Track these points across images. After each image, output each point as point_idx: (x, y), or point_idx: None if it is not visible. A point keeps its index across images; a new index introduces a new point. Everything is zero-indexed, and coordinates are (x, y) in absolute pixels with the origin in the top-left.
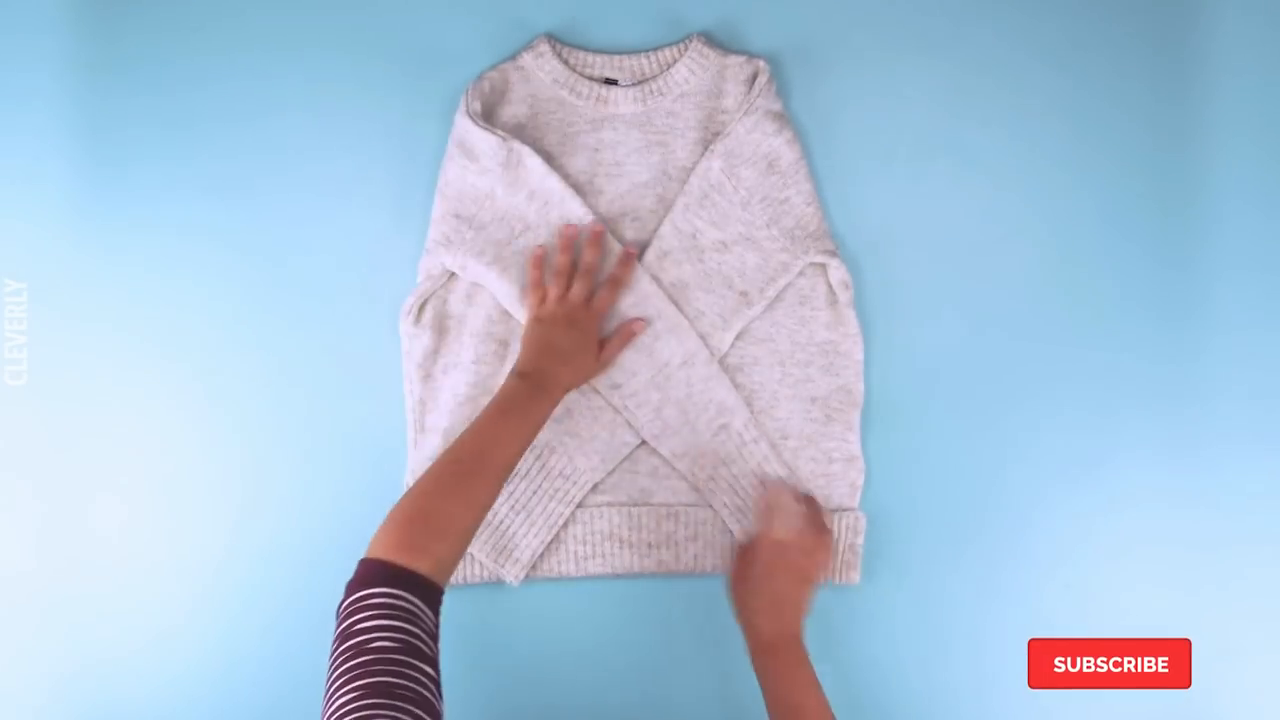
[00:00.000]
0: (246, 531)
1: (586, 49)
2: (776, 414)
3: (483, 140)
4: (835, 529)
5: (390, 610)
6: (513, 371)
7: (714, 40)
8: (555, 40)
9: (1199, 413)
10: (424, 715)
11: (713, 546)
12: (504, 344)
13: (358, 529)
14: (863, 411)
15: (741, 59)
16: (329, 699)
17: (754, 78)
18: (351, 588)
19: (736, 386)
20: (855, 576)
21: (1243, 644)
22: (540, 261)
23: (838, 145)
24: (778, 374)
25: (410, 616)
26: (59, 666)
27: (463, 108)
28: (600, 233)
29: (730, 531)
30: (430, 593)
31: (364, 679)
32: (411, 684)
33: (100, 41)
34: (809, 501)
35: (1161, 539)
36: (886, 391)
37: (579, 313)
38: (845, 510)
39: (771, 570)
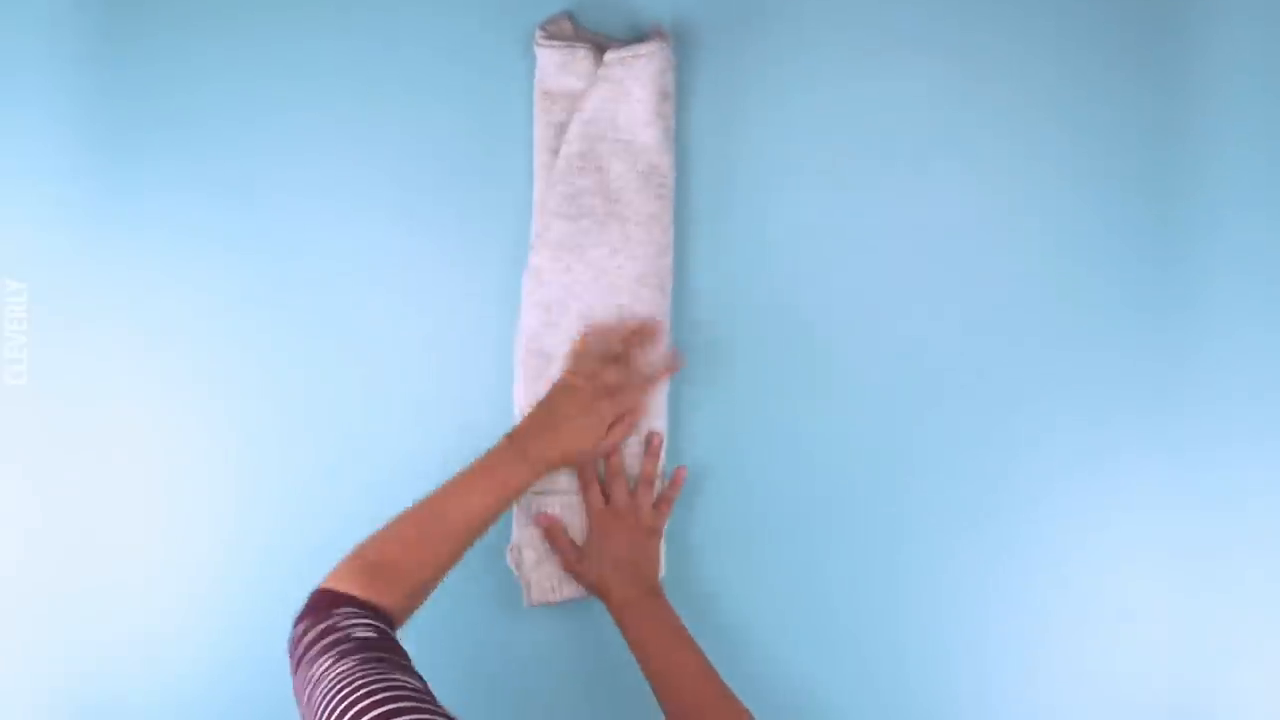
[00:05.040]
0: (247, 531)
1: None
2: None
3: (577, 55)
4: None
5: (369, 617)
6: (510, 432)
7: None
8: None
9: (1199, 412)
10: (420, 683)
11: None
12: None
13: (359, 530)
14: (861, 407)
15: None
16: (321, 684)
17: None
18: (308, 611)
19: None
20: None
21: (1244, 645)
22: (617, 335)
23: (837, 146)
24: None
25: (387, 629)
26: (59, 666)
27: (539, 37)
28: (655, 330)
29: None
30: (393, 623)
31: (361, 652)
32: (403, 660)
33: (101, 40)
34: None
35: (1162, 539)
36: (885, 392)
37: (599, 396)
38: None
39: (613, 532)
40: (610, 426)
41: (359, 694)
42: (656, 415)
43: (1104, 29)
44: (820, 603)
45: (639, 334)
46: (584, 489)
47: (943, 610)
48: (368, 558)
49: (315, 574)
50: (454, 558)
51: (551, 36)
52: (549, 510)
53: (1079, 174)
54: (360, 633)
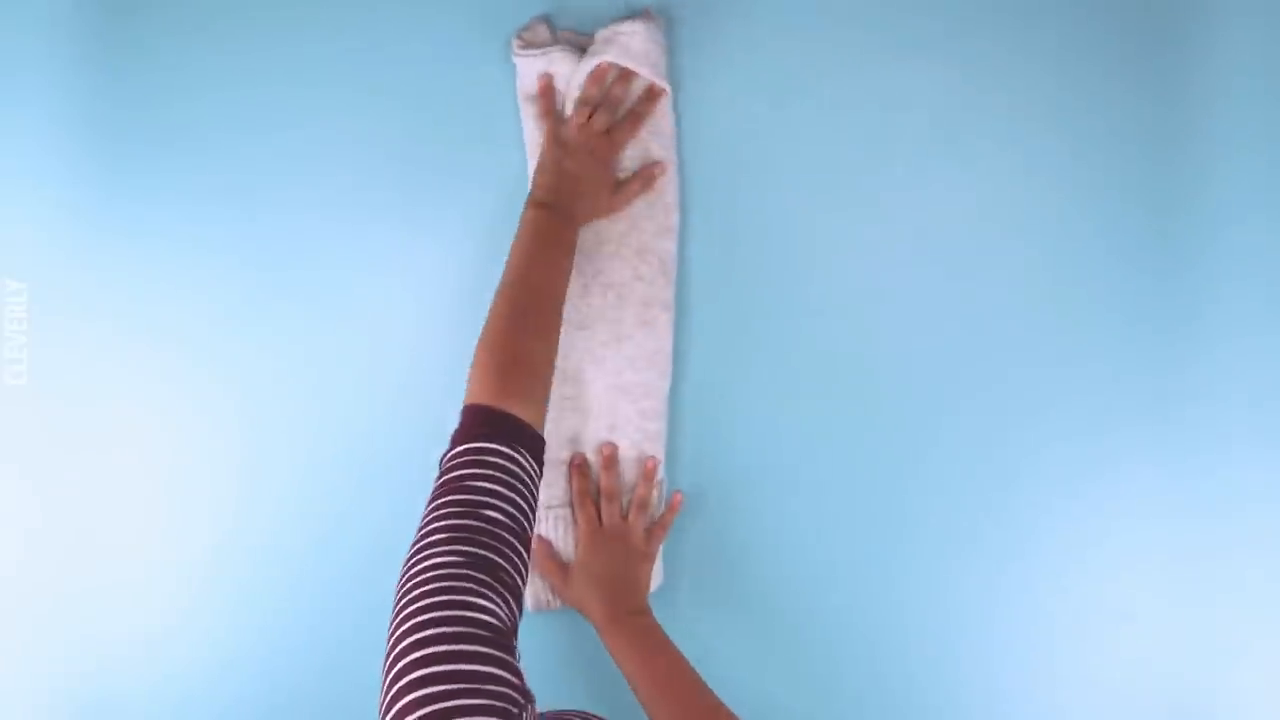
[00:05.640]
0: (246, 530)
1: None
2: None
3: (554, 58)
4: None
5: (506, 475)
6: (531, 200)
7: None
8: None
9: (1198, 420)
10: (513, 602)
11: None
12: None
13: (357, 529)
14: (862, 417)
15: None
16: (426, 546)
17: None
18: (462, 435)
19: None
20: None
21: (1243, 647)
22: (548, 89)
23: (836, 153)
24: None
25: (523, 485)
26: (59, 665)
27: (515, 47)
28: (629, 76)
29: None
30: (537, 446)
31: (470, 546)
32: (510, 568)
33: (101, 41)
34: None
35: (1162, 544)
36: (885, 403)
37: (597, 141)
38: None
39: (605, 552)
40: (623, 185)
41: (421, 624)
42: (654, 441)
43: (1104, 39)
44: (824, 611)
45: (616, 77)
46: (578, 507)
47: (947, 617)
48: (498, 355)
49: (313, 574)
50: (559, 329)
51: (528, 44)
52: (540, 528)
53: (1078, 183)
54: (490, 515)
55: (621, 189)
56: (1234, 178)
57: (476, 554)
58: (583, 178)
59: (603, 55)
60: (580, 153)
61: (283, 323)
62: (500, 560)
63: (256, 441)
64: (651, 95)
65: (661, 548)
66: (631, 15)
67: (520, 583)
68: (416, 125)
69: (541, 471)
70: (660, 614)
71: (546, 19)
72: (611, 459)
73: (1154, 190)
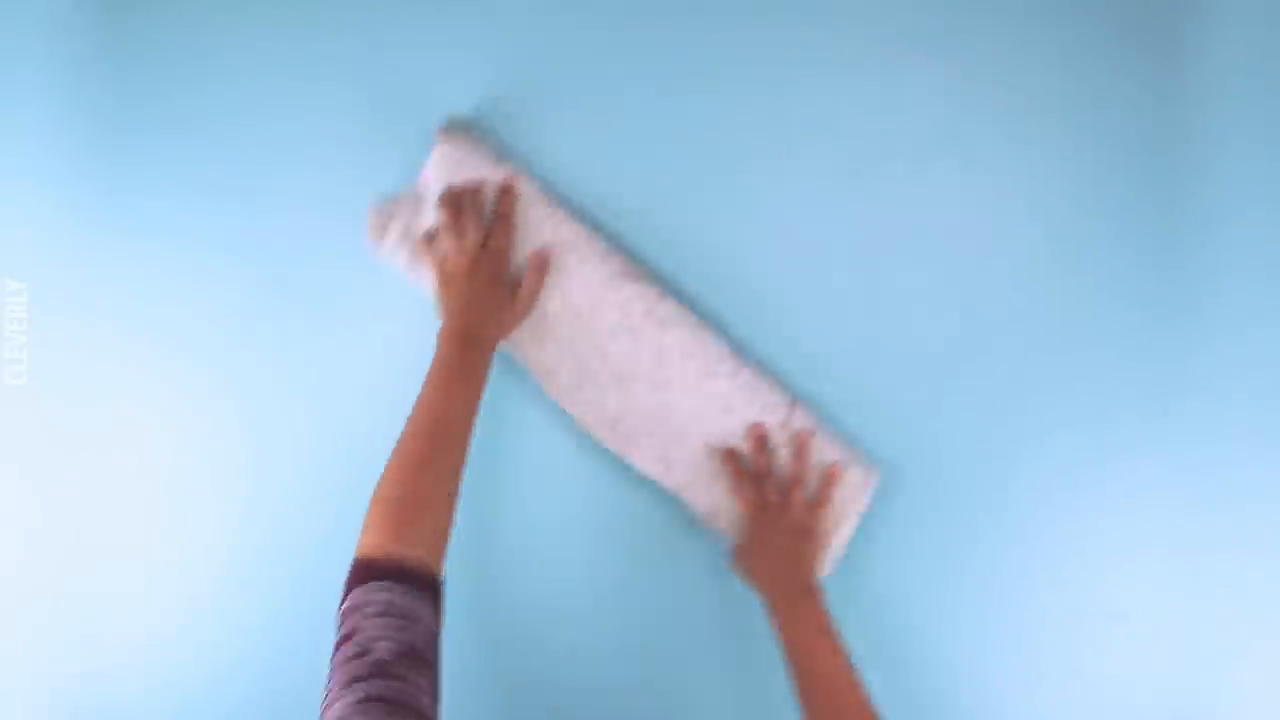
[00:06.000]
0: (248, 531)
1: None
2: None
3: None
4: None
5: (390, 613)
6: (439, 335)
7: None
8: None
9: (1199, 414)
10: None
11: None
12: None
13: (358, 530)
14: (866, 413)
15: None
16: (330, 698)
17: None
18: (351, 584)
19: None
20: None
21: (1243, 645)
22: (419, 250)
23: (836, 146)
24: None
25: (409, 619)
26: (59, 666)
27: (371, 241)
28: (477, 185)
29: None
30: (428, 584)
31: (366, 684)
32: (408, 697)
33: (101, 41)
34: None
35: (1163, 540)
36: (887, 393)
37: (479, 258)
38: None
39: (767, 530)
40: (520, 289)
41: None
42: (756, 389)
43: (1105, 33)
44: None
45: (464, 193)
46: (737, 491)
47: (942, 611)
48: (391, 498)
49: (316, 575)
50: (462, 465)
51: (379, 227)
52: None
53: (1080, 176)
54: (380, 651)
55: (520, 294)
56: (1236, 170)
57: (373, 693)
58: (480, 300)
59: (433, 188)
60: (469, 278)
61: (283, 322)
62: (399, 690)
63: (257, 441)
64: (504, 190)
65: (855, 509)
66: (433, 141)
67: (425, 707)
68: (417, 124)
69: (440, 597)
70: None
71: (384, 200)
72: (761, 439)
73: (1156, 183)
